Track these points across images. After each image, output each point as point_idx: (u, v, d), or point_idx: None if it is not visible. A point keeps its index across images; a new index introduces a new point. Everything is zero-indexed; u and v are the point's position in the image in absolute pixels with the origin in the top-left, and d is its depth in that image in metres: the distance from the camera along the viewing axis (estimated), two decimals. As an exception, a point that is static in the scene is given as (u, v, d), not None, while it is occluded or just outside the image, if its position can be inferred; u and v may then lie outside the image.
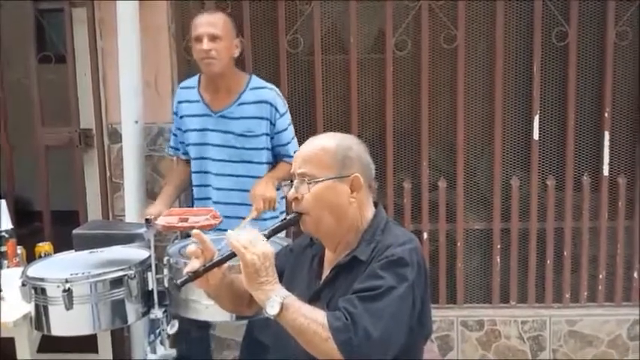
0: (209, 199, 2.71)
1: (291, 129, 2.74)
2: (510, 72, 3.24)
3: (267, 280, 1.49)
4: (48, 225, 3.27)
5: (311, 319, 1.46)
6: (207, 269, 1.56)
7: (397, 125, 3.24)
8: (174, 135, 2.85)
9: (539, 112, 3.18)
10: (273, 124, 2.66)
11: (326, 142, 1.66)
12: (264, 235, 1.56)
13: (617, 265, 3.27)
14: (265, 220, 2.60)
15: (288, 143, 2.71)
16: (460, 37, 3.13)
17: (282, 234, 2.33)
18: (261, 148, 2.67)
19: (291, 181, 1.67)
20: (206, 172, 2.71)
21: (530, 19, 3.15)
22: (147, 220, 2.23)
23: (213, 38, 2.55)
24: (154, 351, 2.22)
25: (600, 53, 3.19)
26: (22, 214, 3.26)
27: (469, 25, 3.18)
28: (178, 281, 1.57)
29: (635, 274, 3.28)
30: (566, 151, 3.21)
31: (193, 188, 2.80)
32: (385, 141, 3.19)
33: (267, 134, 2.66)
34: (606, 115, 3.17)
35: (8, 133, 3.30)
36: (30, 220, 3.48)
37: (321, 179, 1.60)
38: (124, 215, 3.04)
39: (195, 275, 1.56)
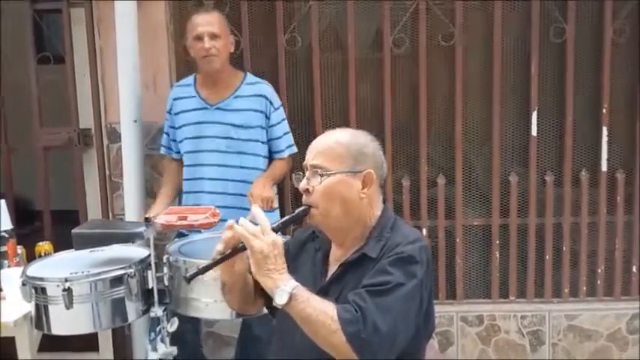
0: (201, 192, 2.75)
1: (285, 124, 2.83)
2: (508, 69, 3.24)
3: (275, 268, 1.49)
4: (48, 224, 3.28)
5: (320, 311, 1.45)
6: (225, 257, 1.55)
7: (395, 122, 3.25)
8: (167, 134, 2.91)
9: (537, 108, 3.18)
10: (268, 117, 2.77)
11: (341, 136, 1.66)
12: (273, 228, 1.56)
13: (616, 260, 3.28)
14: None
15: (280, 138, 2.81)
16: (458, 35, 3.14)
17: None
18: (255, 140, 2.75)
19: (303, 173, 1.66)
20: (199, 165, 2.76)
21: (527, 16, 3.15)
22: (146, 218, 2.24)
23: (213, 36, 2.67)
24: (154, 349, 2.23)
25: (598, 50, 3.18)
26: (22, 213, 3.27)
27: (467, 22, 3.17)
28: (200, 267, 1.56)
29: (634, 269, 3.29)
30: (564, 146, 3.21)
31: (184, 182, 2.83)
32: (384, 138, 3.18)
33: (261, 127, 2.76)
34: (604, 110, 3.18)
35: (8, 134, 3.31)
36: (30, 219, 3.50)
37: (333, 172, 1.60)
38: (123, 214, 3.05)
39: (208, 266, 1.55)
